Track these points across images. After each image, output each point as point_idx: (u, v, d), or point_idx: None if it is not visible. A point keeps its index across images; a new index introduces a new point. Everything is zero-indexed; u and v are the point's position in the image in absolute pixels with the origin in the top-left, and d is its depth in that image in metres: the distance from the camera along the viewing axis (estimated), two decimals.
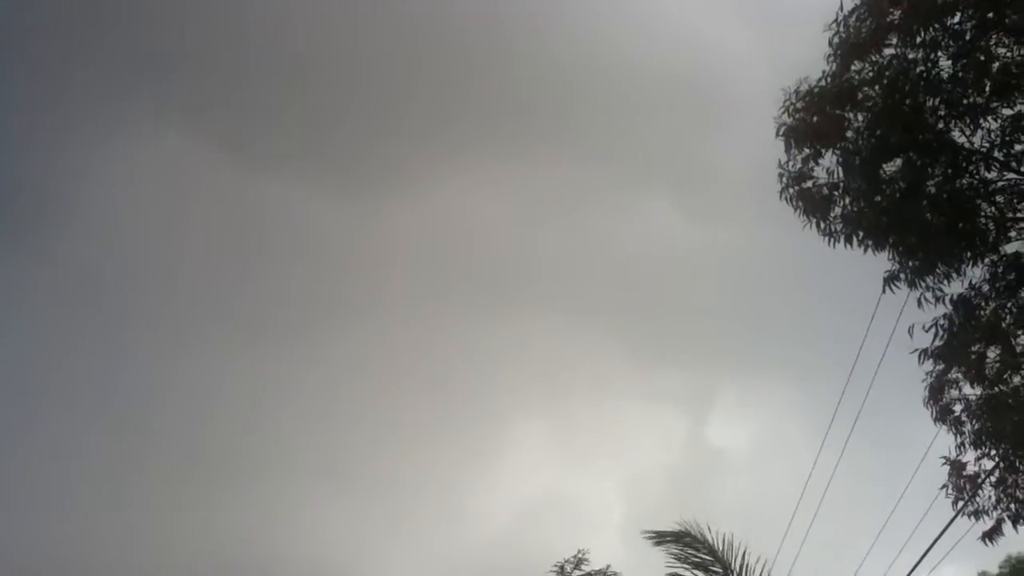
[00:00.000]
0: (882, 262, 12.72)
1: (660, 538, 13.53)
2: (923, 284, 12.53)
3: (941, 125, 11.69)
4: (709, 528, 13.35)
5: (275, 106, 34.11)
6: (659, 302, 36.26)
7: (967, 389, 13.30)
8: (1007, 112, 11.56)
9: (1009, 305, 12.54)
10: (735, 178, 32.81)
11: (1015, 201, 11.99)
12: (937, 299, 12.57)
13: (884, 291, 12.83)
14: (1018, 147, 11.71)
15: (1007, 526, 13.04)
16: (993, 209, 12.00)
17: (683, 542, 13.43)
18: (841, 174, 12.12)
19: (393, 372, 36.68)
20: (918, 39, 11.27)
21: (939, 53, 11.33)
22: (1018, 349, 12.66)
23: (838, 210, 12.31)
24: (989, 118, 11.58)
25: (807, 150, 12.17)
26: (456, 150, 35.41)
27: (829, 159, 12.21)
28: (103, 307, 36.09)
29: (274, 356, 36.02)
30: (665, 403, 38.52)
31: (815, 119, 11.93)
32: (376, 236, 37.37)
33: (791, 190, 12.34)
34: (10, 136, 34.06)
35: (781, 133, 12.13)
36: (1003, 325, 12.60)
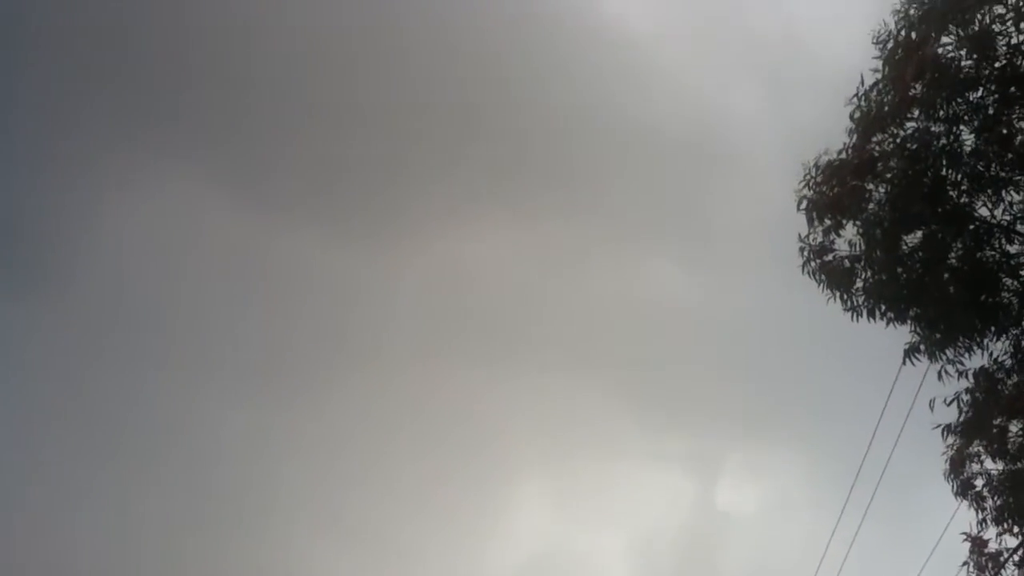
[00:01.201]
0: (900, 330, 12.55)
1: None
2: (944, 357, 12.33)
3: (963, 198, 11.58)
4: None
5: (282, 153, 33.94)
6: (666, 361, 35.83)
7: (989, 463, 13.06)
8: None
9: None
10: (745, 238, 32.80)
11: None
12: (959, 373, 12.37)
13: (904, 363, 12.61)
14: None
15: None
16: (1016, 283, 11.84)
17: None
18: (863, 246, 11.93)
19: (396, 425, 35.90)
20: (940, 113, 11.19)
21: (961, 127, 11.26)
22: None
23: (860, 283, 12.10)
24: (1011, 191, 11.51)
25: (828, 221, 11.97)
26: (459, 201, 35.21)
27: (850, 231, 12.03)
28: (108, 351, 35.42)
29: (277, 405, 35.28)
30: (672, 464, 37.86)
31: (836, 191, 11.76)
32: (380, 285, 36.86)
33: (813, 263, 12.13)
34: (16, 178, 33.60)
35: (802, 207, 11.94)
36: None
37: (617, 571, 34.76)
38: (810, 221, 11.96)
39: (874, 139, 11.58)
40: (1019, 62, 10.78)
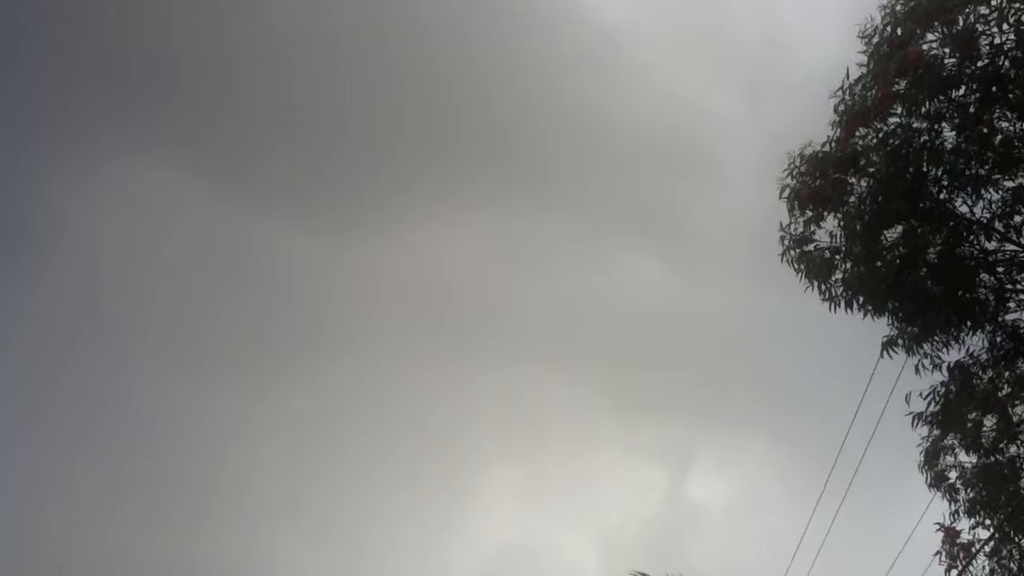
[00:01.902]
0: (870, 326, 12.76)
1: None
2: (921, 351, 12.56)
3: (943, 194, 11.77)
4: None
5: (264, 145, 34.26)
6: (640, 355, 36.14)
7: (963, 456, 13.30)
8: (1008, 184, 11.66)
9: (1006, 374, 12.58)
10: (720, 237, 33.25)
11: (1014, 272, 12.04)
12: (935, 366, 12.60)
13: (882, 356, 12.84)
14: (1018, 218, 11.80)
15: None
16: (992, 279, 12.05)
17: None
18: (842, 238, 12.16)
19: (369, 416, 36.28)
20: (923, 109, 11.37)
21: (943, 124, 11.44)
22: (1015, 419, 12.64)
23: (839, 274, 12.33)
24: (990, 189, 11.69)
25: (809, 213, 12.21)
26: (438, 196, 35.53)
27: (831, 223, 12.26)
28: (83, 339, 35.81)
29: (252, 393, 35.56)
30: (643, 456, 38.21)
31: (818, 182, 11.99)
32: (355, 278, 37.18)
33: (792, 252, 12.37)
34: None
35: (784, 195, 12.18)
36: (1000, 394, 12.60)
37: (587, 562, 35.12)
38: (791, 210, 12.19)
39: (857, 133, 11.78)
40: (1001, 62, 10.93)
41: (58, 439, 33.70)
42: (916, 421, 12.74)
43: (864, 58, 11.68)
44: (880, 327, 12.54)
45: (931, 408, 12.67)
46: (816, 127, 11.97)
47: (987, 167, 11.55)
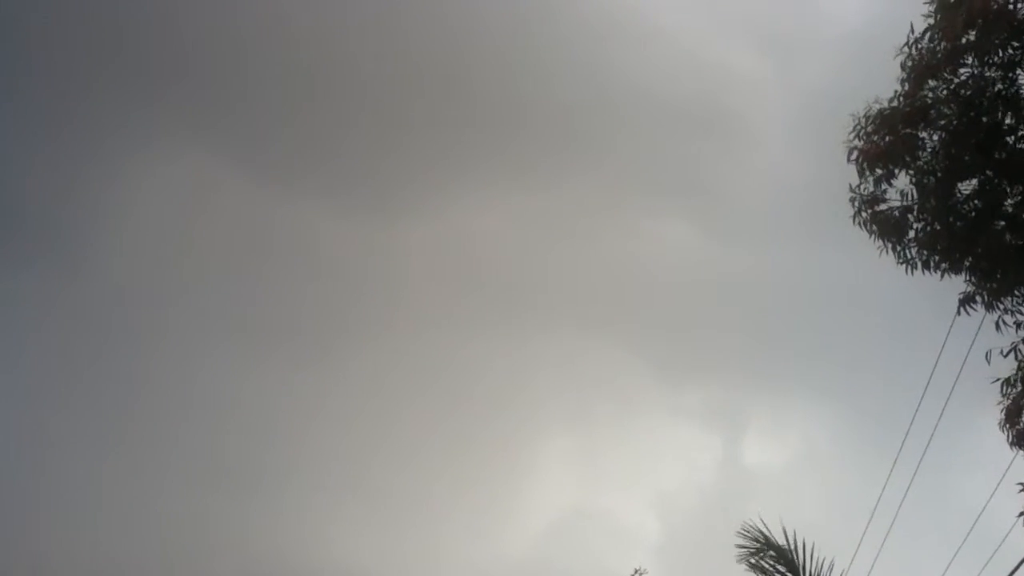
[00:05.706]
0: (924, 285, 12.48)
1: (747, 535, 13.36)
2: (1001, 306, 12.24)
3: (1019, 144, 11.42)
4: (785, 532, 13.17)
5: (293, 125, 34.62)
6: (685, 321, 36.02)
7: None
8: None
9: None
10: (754, 198, 32.93)
11: None
12: (1017, 324, 12.27)
13: (959, 312, 12.54)
14: None
15: None
16: None
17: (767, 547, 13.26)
18: (915, 196, 11.87)
19: (413, 389, 36.58)
20: (995, 58, 11.03)
21: (1017, 72, 11.09)
22: None
23: (912, 233, 12.05)
24: None
25: (879, 171, 11.92)
26: (467, 170, 35.65)
27: (902, 181, 11.97)
28: (125, 317, 36.43)
29: (294, 370, 36.06)
30: (696, 422, 38.12)
31: (888, 139, 11.69)
32: (390, 254, 37.54)
33: (864, 214, 12.11)
34: (30, 149, 34.51)
35: (853, 157, 11.91)
36: None
37: (643, 527, 35.08)
38: (861, 172, 11.92)
39: (927, 86, 11.47)
40: None
41: (103, 416, 34.38)
42: (1005, 387, 12.40)
43: (930, 9, 11.34)
44: (931, 283, 12.26)
45: (1020, 371, 12.29)
46: (848, 84, 11.72)
47: None
